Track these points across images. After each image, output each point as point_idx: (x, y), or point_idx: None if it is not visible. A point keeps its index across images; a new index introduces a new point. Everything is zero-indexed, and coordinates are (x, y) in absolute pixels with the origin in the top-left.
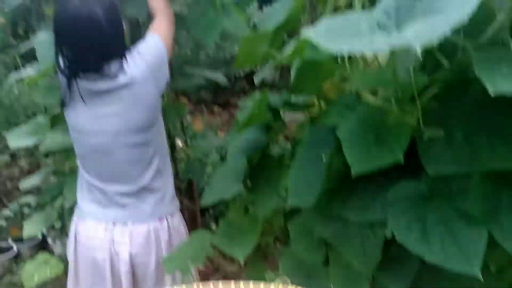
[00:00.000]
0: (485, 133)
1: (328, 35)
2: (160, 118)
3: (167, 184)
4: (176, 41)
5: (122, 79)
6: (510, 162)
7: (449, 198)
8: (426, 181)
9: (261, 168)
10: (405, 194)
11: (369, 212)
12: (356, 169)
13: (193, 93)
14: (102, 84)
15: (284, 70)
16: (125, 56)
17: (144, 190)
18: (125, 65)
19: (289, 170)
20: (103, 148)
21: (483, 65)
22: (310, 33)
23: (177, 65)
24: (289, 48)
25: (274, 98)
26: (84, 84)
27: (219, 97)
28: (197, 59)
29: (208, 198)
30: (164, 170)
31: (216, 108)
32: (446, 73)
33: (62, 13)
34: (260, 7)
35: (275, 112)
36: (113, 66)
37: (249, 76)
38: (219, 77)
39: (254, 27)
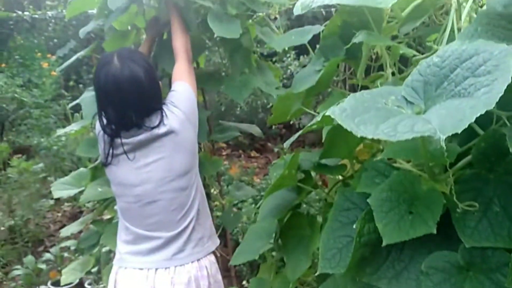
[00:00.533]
0: None
1: (353, 115)
2: (197, 158)
3: (206, 222)
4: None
5: (162, 129)
6: None
7: (488, 271)
8: (462, 252)
9: (292, 227)
10: (440, 264)
11: (402, 282)
12: (387, 239)
13: None
14: (143, 136)
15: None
16: (162, 109)
17: (186, 232)
18: (164, 117)
19: (320, 231)
20: (148, 197)
21: None
22: (335, 111)
23: (214, 119)
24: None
25: (305, 159)
26: (126, 140)
27: (256, 142)
28: (235, 108)
29: (238, 258)
30: (203, 209)
31: (253, 153)
32: (480, 142)
33: (104, 76)
34: (298, 57)
35: (306, 174)
36: (153, 119)
37: (285, 121)
38: (255, 129)
39: (291, 76)
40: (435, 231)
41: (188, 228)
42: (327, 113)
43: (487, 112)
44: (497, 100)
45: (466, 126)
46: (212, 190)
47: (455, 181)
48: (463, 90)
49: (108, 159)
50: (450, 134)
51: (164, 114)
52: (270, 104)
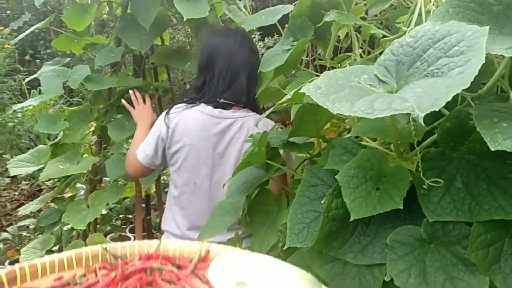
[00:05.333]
0: (485, 182)
1: (328, 92)
2: None
3: None
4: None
5: None
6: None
7: (448, 244)
8: (425, 226)
9: (260, 204)
10: (404, 238)
11: (368, 255)
12: (355, 214)
13: None
14: None
15: None
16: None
17: None
18: None
19: (288, 208)
20: None
21: (483, 120)
22: (310, 89)
23: (179, 98)
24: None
25: (274, 137)
26: None
27: None
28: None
29: (206, 232)
30: None
31: None
32: (445, 121)
33: None
34: (263, 38)
35: (275, 151)
36: None
37: None
38: None
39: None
40: (401, 207)
41: None
42: (301, 90)
43: None
44: (472, 79)
45: (444, 104)
46: None
47: (421, 159)
48: (436, 70)
49: None
50: (428, 111)
51: None
52: None
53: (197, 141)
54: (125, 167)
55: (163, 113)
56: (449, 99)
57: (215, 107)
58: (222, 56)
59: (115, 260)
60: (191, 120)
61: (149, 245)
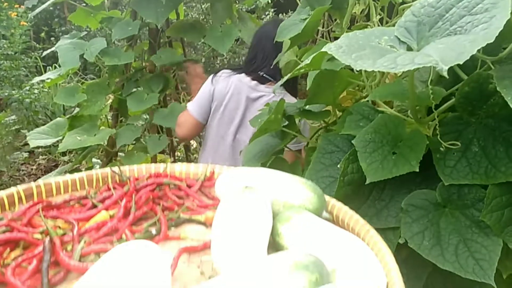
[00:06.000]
0: (502, 145)
1: (349, 51)
2: None
3: None
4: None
5: None
6: None
7: (463, 207)
8: (440, 190)
9: None
10: (418, 202)
11: (382, 219)
12: (371, 178)
13: None
14: None
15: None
16: None
17: None
18: None
19: (302, 175)
20: None
21: (504, 80)
22: (331, 48)
23: None
24: (307, 58)
25: (290, 105)
26: None
27: None
28: (212, 65)
29: None
30: None
31: None
32: (464, 86)
33: None
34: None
35: (290, 119)
36: None
37: None
38: None
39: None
40: (417, 169)
41: None
42: (322, 49)
43: (471, 58)
44: (496, 34)
45: (468, 57)
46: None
47: (438, 124)
48: (459, 28)
49: None
50: (452, 64)
51: None
52: None
53: (230, 103)
54: (176, 131)
55: (212, 75)
56: (473, 52)
57: (253, 79)
58: (270, 39)
59: (126, 179)
60: (230, 84)
61: (156, 168)
